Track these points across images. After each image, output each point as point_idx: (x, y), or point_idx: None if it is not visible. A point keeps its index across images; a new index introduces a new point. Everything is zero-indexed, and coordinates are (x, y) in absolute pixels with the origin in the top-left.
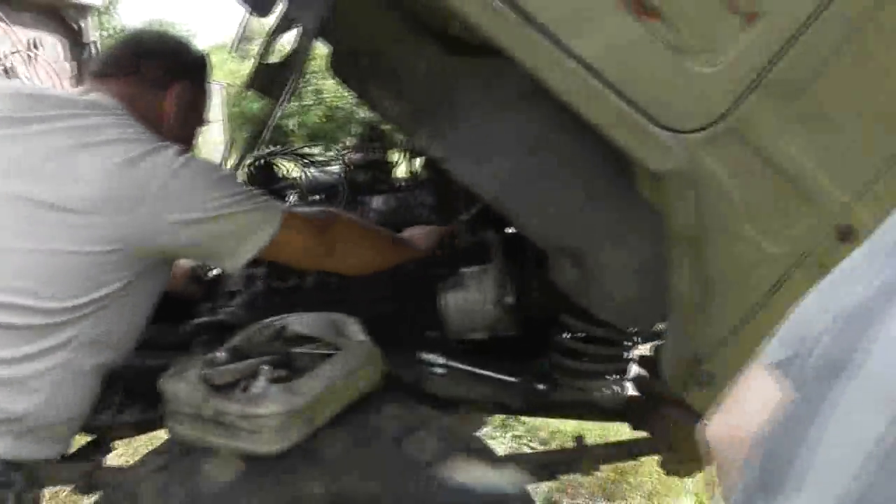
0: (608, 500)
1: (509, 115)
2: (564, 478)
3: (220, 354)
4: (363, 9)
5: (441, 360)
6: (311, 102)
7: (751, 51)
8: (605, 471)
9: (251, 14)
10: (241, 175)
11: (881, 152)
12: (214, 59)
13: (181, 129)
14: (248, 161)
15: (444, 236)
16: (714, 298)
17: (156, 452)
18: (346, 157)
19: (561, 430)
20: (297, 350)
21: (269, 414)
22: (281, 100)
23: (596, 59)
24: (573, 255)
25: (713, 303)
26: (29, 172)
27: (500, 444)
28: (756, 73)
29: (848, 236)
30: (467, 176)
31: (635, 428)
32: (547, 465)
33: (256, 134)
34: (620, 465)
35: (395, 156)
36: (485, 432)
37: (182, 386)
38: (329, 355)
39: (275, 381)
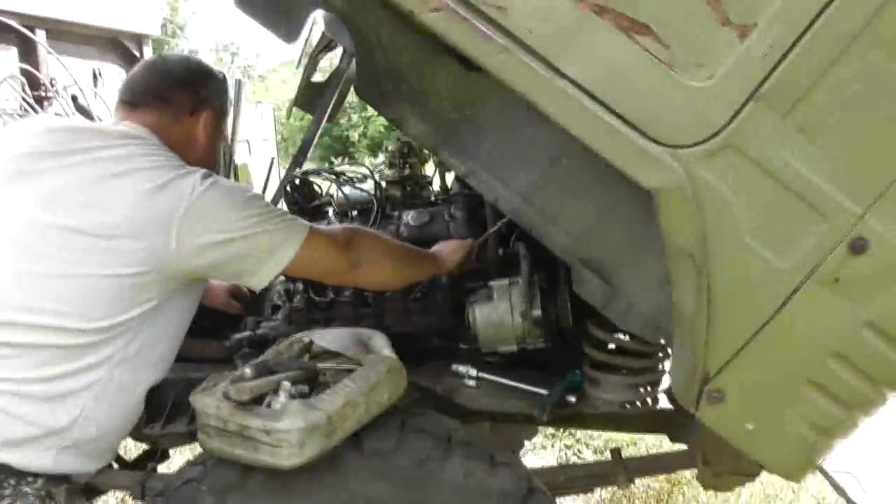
0: None
1: (528, 129)
2: (616, 488)
3: (247, 370)
4: (383, 31)
5: (473, 373)
6: (374, 113)
7: (746, 63)
8: (660, 481)
9: (281, 40)
10: (280, 194)
11: (891, 160)
12: (283, 76)
13: (208, 150)
14: (286, 180)
15: (472, 250)
16: (720, 315)
17: (191, 463)
18: (380, 174)
19: (614, 439)
20: (321, 365)
21: (288, 429)
22: (322, 116)
23: (586, 78)
24: (596, 267)
25: (719, 319)
26: (63, 202)
27: (550, 454)
28: (753, 85)
29: (861, 249)
30: (490, 190)
31: (672, 440)
32: (581, 477)
33: (302, 151)
34: (675, 475)
35: (428, 171)
36: (535, 441)
37: (209, 401)
38: (351, 370)
39: (295, 396)
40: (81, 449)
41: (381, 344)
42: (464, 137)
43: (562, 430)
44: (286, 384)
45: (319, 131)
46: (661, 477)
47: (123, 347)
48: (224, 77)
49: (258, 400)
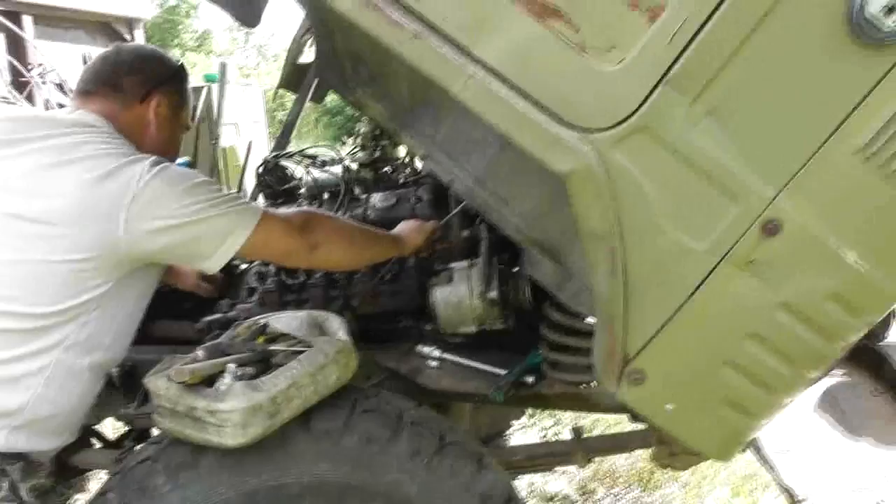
0: (644, 489)
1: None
2: (600, 467)
3: (199, 353)
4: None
5: (436, 353)
6: None
7: (655, 47)
8: (642, 459)
9: (243, 25)
10: (254, 178)
11: (803, 142)
12: None
13: (162, 137)
14: (259, 164)
15: (433, 232)
16: (637, 297)
17: (150, 442)
18: (350, 156)
19: (602, 420)
20: (273, 348)
21: (231, 409)
22: (304, 98)
23: (499, 62)
24: (548, 249)
25: (636, 301)
26: (12, 190)
27: (533, 433)
28: (662, 69)
29: (774, 231)
30: (446, 172)
31: (633, 420)
32: (541, 455)
33: (284, 133)
34: None
35: (400, 153)
36: (520, 422)
37: (160, 383)
38: (300, 352)
39: (240, 378)
40: (34, 428)
41: (335, 326)
42: (422, 121)
43: (540, 410)
44: (231, 366)
45: (303, 113)
46: (644, 456)
47: (75, 332)
48: (181, 66)
49: (209, 381)
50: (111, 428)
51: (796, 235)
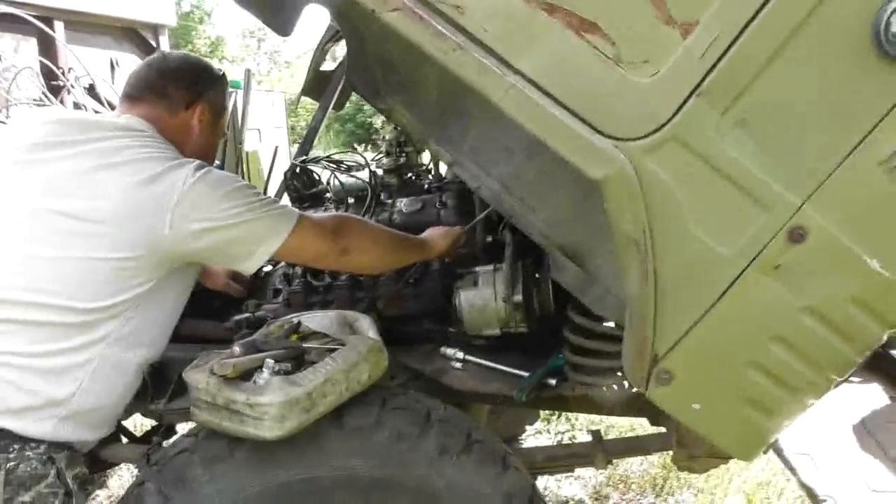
0: (657, 495)
1: (508, 120)
2: (614, 472)
3: (236, 349)
4: (372, 22)
5: (460, 355)
6: None
7: (688, 60)
8: (656, 466)
9: (277, 34)
10: (281, 182)
11: (829, 153)
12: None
13: (204, 142)
14: (286, 168)
15: (460, 236)
16: (667, 299)
17: (185, 435)
18: (376, 162)
19: (616, 425)
20: (306, 345)
21: (269, 403)
22: (327, 105)
23: (538, 73)
24: (572, 254)
25: (666, 303)
26: (60, 190)
27: (544, 437)
28: (694, 82)
29: (800, 238)
30: (473, 178)
31: (653, 423)
32: (562, 457)
33: (307, 139)
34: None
35: (425, 159)
36: (534, 427)
37: (199, 377)
38: (334, 350)
39: (278, 373)
40: (79, 420)
41: (365, 326)
42: (450, 128)
43: (556, 415)
44: (270, 361)
45: (324, 119)
46: (657, 462)
47: (118, 328)
48: (223, 75)
49: (246, 376)
50: (133, 424)
51: (821, 242)
